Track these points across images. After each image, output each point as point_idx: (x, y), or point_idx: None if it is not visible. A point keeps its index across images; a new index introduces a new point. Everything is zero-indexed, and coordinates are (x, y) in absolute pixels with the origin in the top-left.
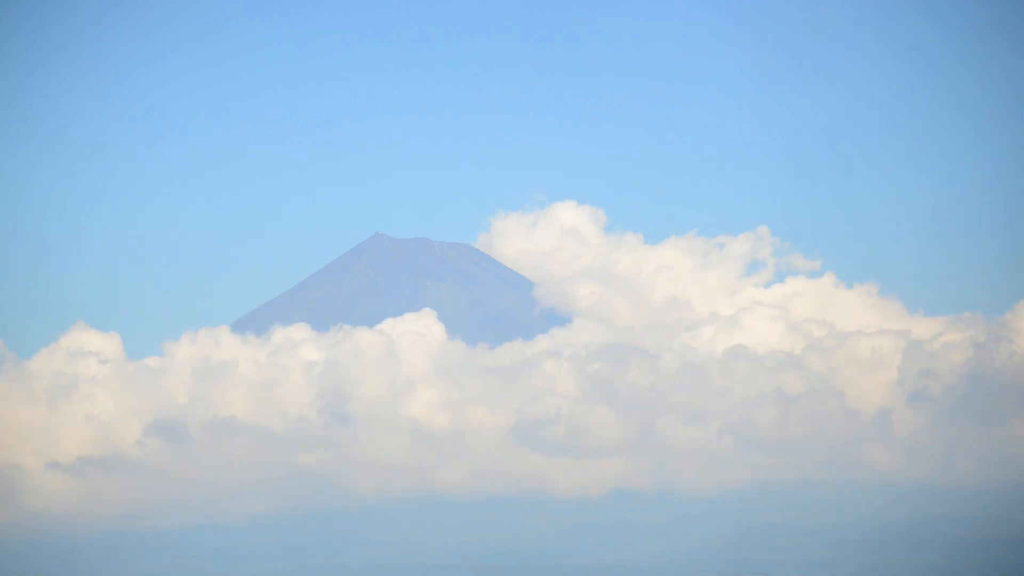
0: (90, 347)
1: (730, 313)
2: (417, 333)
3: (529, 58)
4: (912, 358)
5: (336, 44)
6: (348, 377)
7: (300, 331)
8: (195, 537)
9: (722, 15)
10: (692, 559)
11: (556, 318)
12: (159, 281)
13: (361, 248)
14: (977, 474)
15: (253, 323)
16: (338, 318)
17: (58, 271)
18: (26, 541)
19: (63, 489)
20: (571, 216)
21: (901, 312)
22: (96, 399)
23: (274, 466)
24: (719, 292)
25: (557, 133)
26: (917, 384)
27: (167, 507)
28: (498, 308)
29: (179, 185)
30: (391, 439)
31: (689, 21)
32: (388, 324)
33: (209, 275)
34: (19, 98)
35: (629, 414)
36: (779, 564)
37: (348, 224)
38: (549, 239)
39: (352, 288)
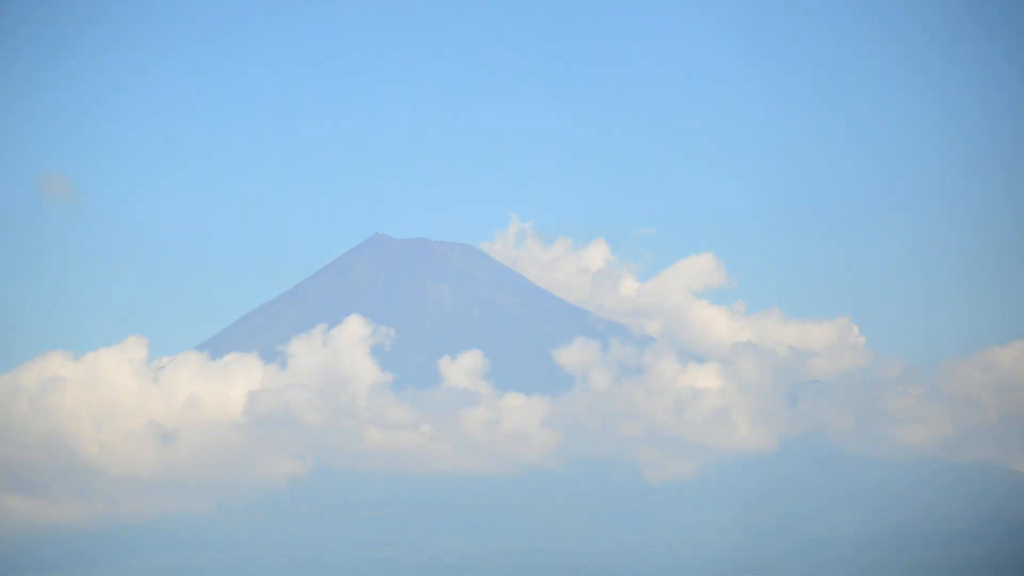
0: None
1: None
2: None
3: (530, 58)
4: None
5: (336, 44)
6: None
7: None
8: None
9: (722, 25)
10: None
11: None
12: (155, 282)
13: (361, 248)
14: None
15: (253, 324)
16: (337, 318)
17: (61, 275)
18: None
19: None
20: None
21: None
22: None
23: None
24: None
25: (556, 133)
26: None
27: None
28: (498, 309)
29: (178, 186)
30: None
31: (693, 30)
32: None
33: (209, 276)
34: (16, 100)
35: None
36: None
37: (348, 224)
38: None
39: (352, 288)
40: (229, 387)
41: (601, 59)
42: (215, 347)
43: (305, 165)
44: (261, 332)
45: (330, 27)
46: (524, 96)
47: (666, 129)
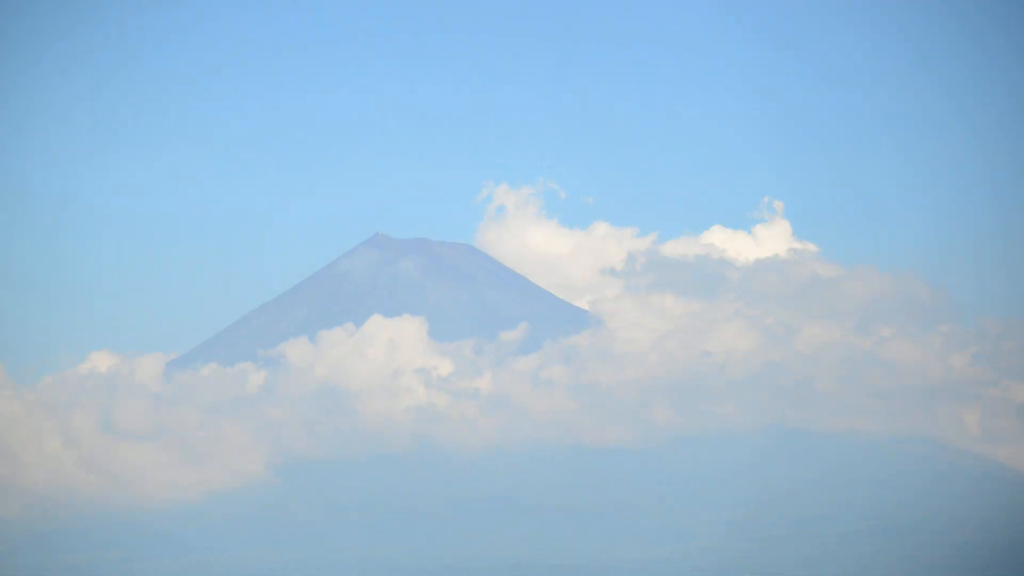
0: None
1: None
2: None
3: (530, 57)
4: None
5: (336, 41)
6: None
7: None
8: None
9: (720, 14)
10: None
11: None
12: (157, 283)
13: (361, 248)
14: None
15: (253, 324)
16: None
17: (58, 277)
18: None
19: None
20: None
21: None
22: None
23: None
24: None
25: (558, 133)
26: None
27: None
28: (498, 307)
29: (178, 186)
30: None
31: (693, 21)
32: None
33: (209, 276)
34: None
35: None
36: None
37: (348, 224)
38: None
39: (352, 288)
40: (232, 388)
41: (603, 54)
42: (216, 347)
43: (305, 164)
44: (262, 332)
45: (330, 23)
46: (526, 94)
47: (670, 123)
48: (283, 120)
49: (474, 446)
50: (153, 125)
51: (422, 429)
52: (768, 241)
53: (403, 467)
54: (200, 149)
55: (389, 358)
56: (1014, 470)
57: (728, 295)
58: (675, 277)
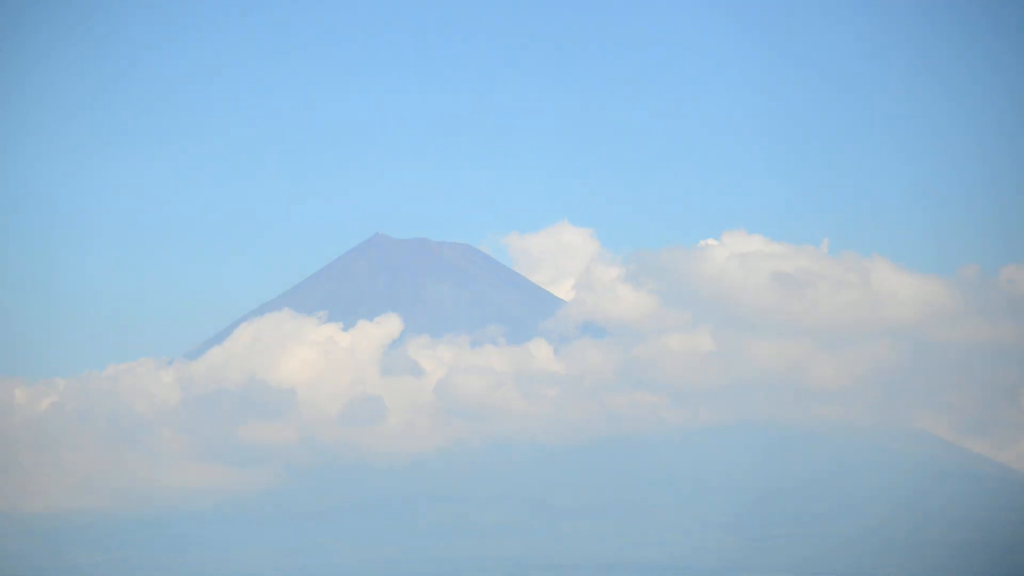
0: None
1: None
2: None
3: (530, 57)
4: None
5: (338, 43)
6: None
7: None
8: None
9: (724, 17)
10: None
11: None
12: (159, 284)
13: (361, 248)
14: None
15: (253, 323)
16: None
17: (56, 280)
18: None
19: None
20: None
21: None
22: None
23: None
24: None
25: (558, 132)
26: None
27: None
28: (498, 308)
29: (179, 186)
30: None
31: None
32: None
33: (210, 276)
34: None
35: None
36: None
37: (348, 224)
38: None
39: (352, 288)
40: (232, 388)
41: (602, 58)
42: (216, 346)
43: (306, 165)
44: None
45: (331, 24)
46: (527, 95)
47: (668, 125)
48: (283, 122)
49: (473, 446)
50: (153, 128)
51: (421, 429)
52: (762, 240)
53: (400, 467)
54: (200, 151)
55: (387, 358)
56: (1012, 469)
57: (726, 294)
58: (675, 278)
